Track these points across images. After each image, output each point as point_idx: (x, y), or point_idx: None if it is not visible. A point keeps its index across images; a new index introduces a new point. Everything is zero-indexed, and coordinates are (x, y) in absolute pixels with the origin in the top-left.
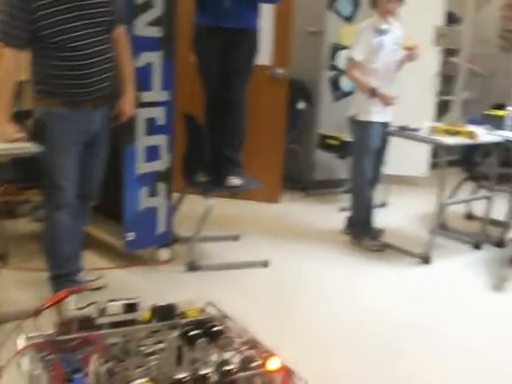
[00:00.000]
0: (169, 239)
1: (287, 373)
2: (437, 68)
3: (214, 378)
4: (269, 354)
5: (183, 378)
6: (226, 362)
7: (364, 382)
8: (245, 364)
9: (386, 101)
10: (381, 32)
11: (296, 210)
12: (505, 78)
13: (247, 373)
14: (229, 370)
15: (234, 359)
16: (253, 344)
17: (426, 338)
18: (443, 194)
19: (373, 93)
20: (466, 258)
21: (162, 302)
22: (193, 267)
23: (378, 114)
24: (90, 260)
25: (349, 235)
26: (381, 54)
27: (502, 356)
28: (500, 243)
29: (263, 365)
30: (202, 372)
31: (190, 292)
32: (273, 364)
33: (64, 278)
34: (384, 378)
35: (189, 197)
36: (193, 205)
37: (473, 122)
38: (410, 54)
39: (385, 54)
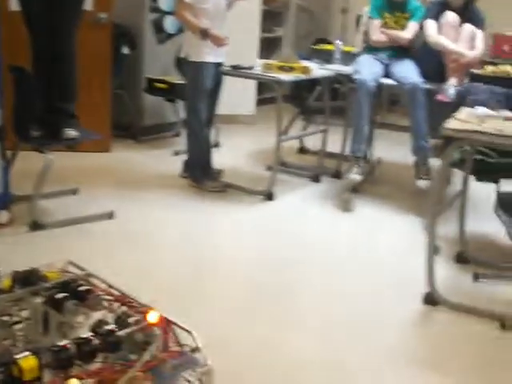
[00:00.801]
0: (7, 200)
1: (168, 324)
2: (260, 5)
3: (96, 340)
4: (144, 307)
5: (65, 345)
6: (102, 322)
7: (223, 320)
8: (122, 321)
9: (218, 41)
10: None
11: (129, 157)
12: (324, 13)
13: (128, 330)
14: (110, 330)
15: (108, 318)
16: (125, 300)
17: (284, 272)
18: (277, 129)
19: (204, 34)
20: (307, 190)
21: (13, 267)
22: (36, 226)
23: (210, 55)
24: None
25: (187, 178)
26: None
27: (356, 273)
28: (337, 174)
29: (142, 319)
30: (83, 336)
31: (38, 253)
32: (152, 317)
33: None
34: (247, 314)
35: (20, 153)
36: (25, 161)
37: (302, 57)
38: None
39: None
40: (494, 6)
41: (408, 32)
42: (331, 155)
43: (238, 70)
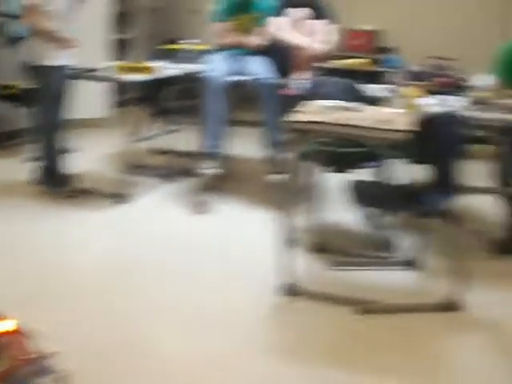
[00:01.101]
0: None
1: (22, 332)
2: (113, 6)
3: None
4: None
5: None
6: None
7: (81, 323)
8: None
9: (65, 44)
10: None
11: None
12: (176, 13)
13: None
14: None
15: None
16: None
17: (137, 273)
18: (131, 131)
19: (50, 36)
20: (162, 191)
21: None
22: None
23: (58, 58)
24: None
25: (40, 185)
26: None
27: (214, 273)
28: (191, 173)
29: None
30: None
31: None
32: (4, 326)
33: None
34: (105, 316)
35: None
36: None
37: (152, 57)
38: None
39: None
40: (347, 2)
41: (256, 38)
42: (186, 154)
43: (85, 73)
